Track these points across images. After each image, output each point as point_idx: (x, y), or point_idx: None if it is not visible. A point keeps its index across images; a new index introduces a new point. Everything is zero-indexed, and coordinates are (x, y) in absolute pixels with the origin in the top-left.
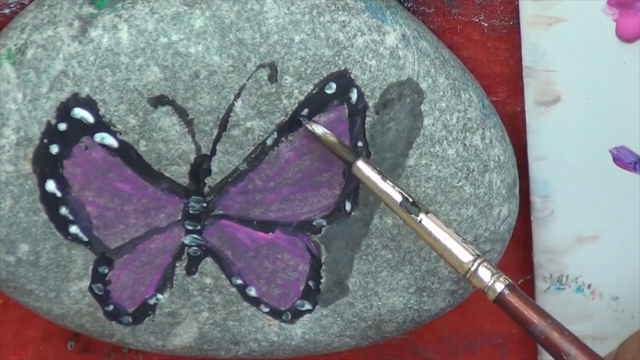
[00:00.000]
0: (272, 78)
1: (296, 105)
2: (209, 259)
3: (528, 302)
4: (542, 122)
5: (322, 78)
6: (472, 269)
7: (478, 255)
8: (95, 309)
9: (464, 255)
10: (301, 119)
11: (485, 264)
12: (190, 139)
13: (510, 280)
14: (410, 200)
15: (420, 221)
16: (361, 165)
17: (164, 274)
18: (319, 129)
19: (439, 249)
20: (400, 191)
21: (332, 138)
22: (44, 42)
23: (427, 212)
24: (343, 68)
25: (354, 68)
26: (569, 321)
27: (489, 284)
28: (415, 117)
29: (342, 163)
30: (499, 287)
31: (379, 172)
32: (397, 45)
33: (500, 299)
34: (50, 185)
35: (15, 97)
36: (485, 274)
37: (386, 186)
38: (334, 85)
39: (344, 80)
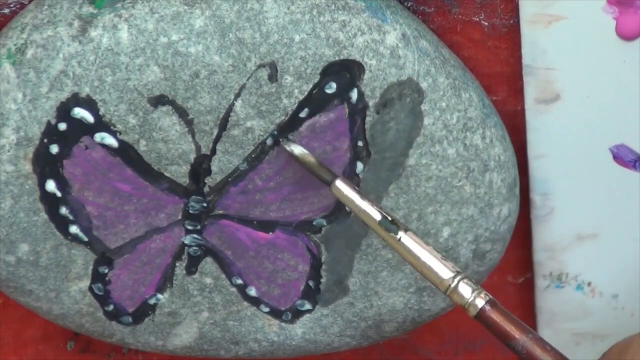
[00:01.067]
0: (272, 78)
1: (296, 105)
2: (209, 259)
3: (509, 317)
4: (542, 120)
5: (322, 77)
6: (453, 285)
7: (458, 272)
8: (95, 309)
9: (444, 272)
10: (280, 139)
11: (465, 280)
12: (190, 139)
13: (490, 296)
14: (389, 218)
15: (399, 239)
16: (340, 184)
17: (164, 274)
18: (297, 149)
19: (419, 266)
20: (379, 210)
21: (310, 158)
22: (44, 42)
23: (406, 230)
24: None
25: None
26: (568, 319)
27: (470, 300)
28: (416, 116)
29: (342, 163)
30: (480, 302)
31: (358, 192)
32: (397, 44)
33: (481, 315)
34: (50, 185)
35: (15, 97)
36: (465, 290)
37: (365, 205)
38: (334, 85)
39: (344, 79)
